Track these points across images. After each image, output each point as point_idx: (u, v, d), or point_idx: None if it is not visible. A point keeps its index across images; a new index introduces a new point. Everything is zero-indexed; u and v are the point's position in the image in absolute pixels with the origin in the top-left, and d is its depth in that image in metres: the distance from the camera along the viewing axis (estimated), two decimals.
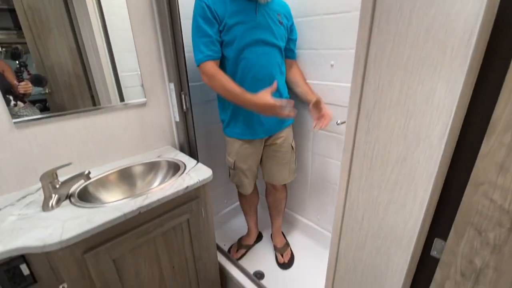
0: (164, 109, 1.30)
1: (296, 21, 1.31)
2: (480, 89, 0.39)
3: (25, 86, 0.92)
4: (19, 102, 0.93)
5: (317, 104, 1.20)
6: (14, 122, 0.91)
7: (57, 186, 0.88)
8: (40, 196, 0.92)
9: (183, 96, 1.27)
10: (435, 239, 0.45)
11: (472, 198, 0.36)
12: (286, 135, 1.33)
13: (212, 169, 1.08)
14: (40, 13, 0.92)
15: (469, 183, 0.36)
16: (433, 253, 0.44)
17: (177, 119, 1.32)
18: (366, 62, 0.50)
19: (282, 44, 1.18)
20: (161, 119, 1.31)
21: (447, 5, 0.39)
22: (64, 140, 1.04)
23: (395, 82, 0.47)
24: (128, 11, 1.09)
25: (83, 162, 1.10)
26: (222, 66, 1.15)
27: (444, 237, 0.42)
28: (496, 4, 0.36)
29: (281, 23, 1.15)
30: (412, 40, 0.43)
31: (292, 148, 1.38)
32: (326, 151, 1.45)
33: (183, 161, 1.16)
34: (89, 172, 0.91)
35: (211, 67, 1.07)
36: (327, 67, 1.29)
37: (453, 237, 0.39)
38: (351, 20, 1.14)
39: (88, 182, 0.98)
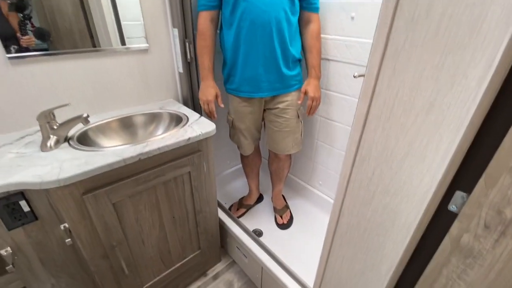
0: (167, 58, 1.23)
1: None
2: None
3: (28, 40, 0.88)
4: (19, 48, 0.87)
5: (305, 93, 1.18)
6: (9, 58, 0.86)
7: (55, 127, 0.85)
8: (39, 137, 0.90)
9: (187, 44, 1.18)
10: (456, 191, 0.40)
11: (507, 159, 0.30)
12: (291, 100, 1.18)
13: (216, 128, 1.04)
14: None
15: (506, 137, 0.31)
16: (451, 207, 0.41)
17: (181, 70, 1.25)
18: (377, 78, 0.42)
19: None
20: (164, 68, 1.24)
21: None
22: (63, 81, 0.99)
23: (436, 8, 0.39)
24: None
25: (81, 106, 1.06)
26: (222, 14, 1.07)
27: (468, 190, 0.37)
28: None
29: None
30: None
31: (298, 116, 1.23)
32: (336, 116, 1.38)
33: (186, 114, 1.12)
34: (87, 116, 0.88)
35: (203, 21, 1.06)
36: (347, 20, 1.17)
37: (482, 186, 0.34)
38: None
39: (87, 127, 0.95)
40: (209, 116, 1.16)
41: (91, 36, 1.01)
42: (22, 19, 0.86)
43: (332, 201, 1.60)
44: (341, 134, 1.40)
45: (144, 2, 1.07)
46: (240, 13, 0.99)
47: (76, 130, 0.95)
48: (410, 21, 0.42)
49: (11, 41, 0.85)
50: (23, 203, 0.73)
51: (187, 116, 1.09)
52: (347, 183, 0.62)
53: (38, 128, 0.95)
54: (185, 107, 1.21)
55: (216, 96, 1.15)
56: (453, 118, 0.42)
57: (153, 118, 1.13)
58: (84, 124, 0.93)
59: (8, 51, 0.85)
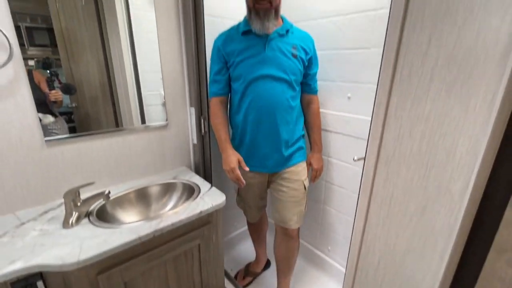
0: (183, 131, 1.35)
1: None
2: (505, 152, 0.39)
3: (55, 94, 0.98)
4: (49, 116, 0.98)
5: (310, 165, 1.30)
6: (46, 141, 0.97)
7: (79, 204, 0.91)
8: (61, 212, 0.96)
9: (202, 120, 1.31)
10: None
11: (495, 265, 0.35)
12: (296, 170, 1.21)
13: (224, 189, 1.10)
14: (76, 33, 0.99)
15: (491, 248, 0.36)
16: None
17: (195, 141, 1.36)
18: (387, 110, 0.51)
19: (294, 78, 1.11)
20: (179, 140, 1.35)
21: (468, 68, 0.40)
22: (88, 158, 1.09)
23: (416, 133, 0.48)
24: (157, 36, 1.17)
25: (103, 180, 1.14)
26: (232, 98, 1.20)
27: None
28: None
29: (294, 56, 1.10)
30: (434, 96, 0.45)
31: (305, 188, 1.23)
32: (340, 181, 1.43)
33: (198, 183, 1.18)
34: (109, 192, 0.95)
35: (214, 104, 1.19)
36: (344, 99, 1.31)
37: None
38: (369, 56, 1.17)
39: (106, 201, 1.02)
40: (237, 182, 1.18)
41: (116, 118, 1.14)
42: (49, 75, 0.96)
43: (342, 269, 1.55)
44: (346, 199, 1.43)
45: (167, 87, 1.24)
46: (248, 102, 1.11)
47: (95, 204, 1.01)
48: (397, 138, 0.51)
49: (43, 108, 0.95)
50: (40, 284, 0.76)
51: (199, 187, 1.16)
52: (355, 271, 0.64)
53: (60, 201, 1.02)
54: (197, 176, 1.29)
55: (239, 162, 1.16)
56: (444, 224, 0.47)
57: (167, 189, 1.20)
58: (105, 201, 1.00)
59: (46, 133, 0.97)
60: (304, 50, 1.13)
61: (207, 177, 1.37)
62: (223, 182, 1.60)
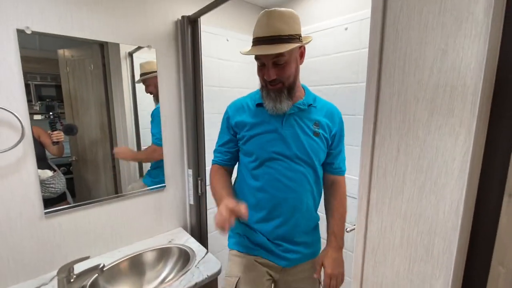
0: (180, 192, 1.38)
1: None
2: (475, 252, 0.43)
3: (57, 135, 1.01)
4: (47, 171, 1.01)
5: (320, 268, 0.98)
6: (45, 212, 0.99)
7: (72, 280, 0.90)
8: (53, 287, 0.93)
9: (199, 182, 1.35)
10: None
11: None
12: (308, 268, 1.02)
13: (219, 254, 1.08)
14: (83, 93, 1.07)
15: None
16: None
17: (192, 202, 1.38)
18: (368, 203, 0.56)
19: (316, 159, 0.93)
20: (176, 201, 1.37)
21: (434, 177, 0.46)
22: (85, 227, 1.09)
23: (396, 228, 0.52)
24: (160, 107, 1.26)
25: (98, 249, 1.13)
26: (240, 173, 1.02)
27: None
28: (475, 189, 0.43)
29: (316, 134, 0.92)
30: (408, 196, 0.50)
31: (320, 283, 1.05)
32: None
33: (193, 248, 1.18)
34: (103, 266, 0.94)
35: (215, 170, 1.03)
36: None
37: None
38: (358, 121, 1.26)
39: (100, 274, 1.00)
40: (221, 230, 0.78)
41: (115, 183, 1.18)
42: (52, 117, 0.99)
43: None
44: None
45: (167, 151, 1.30)
46: (260, 186, 0.93)
47: (89, 278, 0.99)
48: (380, 230, 0.55)
49: (42, 163, 0.97)
50: None
51: (194, 253, 1.15)
52: None
53: (53, 274, 1.00)
54: (192, 239, 1.28)
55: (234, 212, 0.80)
56: None
57: (162, 255, 1.18)
58: (99, 274, 0.98)
59: (43, 189, 0.98)
60: (329, 127, 0.94)
61: (203, 239, 1.37)
62: (220, 245, 1.58)
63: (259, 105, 0.94)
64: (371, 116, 0.53)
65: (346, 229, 1.14)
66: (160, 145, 1.29)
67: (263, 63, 0.87)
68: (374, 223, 0.55)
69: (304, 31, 1.44)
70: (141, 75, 1.22)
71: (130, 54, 1.17)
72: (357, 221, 0.58)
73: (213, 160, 1.06)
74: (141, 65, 1.21)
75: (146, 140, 1.26)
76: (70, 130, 1.05)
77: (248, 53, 0.87)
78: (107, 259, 1.09)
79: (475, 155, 0.40)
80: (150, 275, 1.13)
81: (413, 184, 0.49)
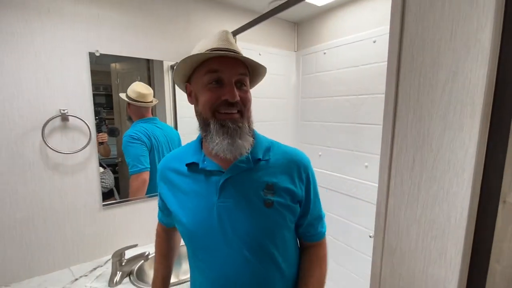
0: None
1: (334, 125, 1.50)
2: (477, 253, 0.46)
3: (102, 136, 1.16)
4: (100, 167, 1.17)
5: None
6: (103, 205, 1.17)
7: (123, 263, 1.05)
8: (107, 269, 1.10)
9: None
10: None
11: None
12: None
13: None
14: None
15: None
16: None
17: None
18: (386, 209, 0.61)
19: (273, 246, 0.62)
20: None
21: (446, 186, 0.50)
22: (134, 219, 1.26)
23: (412, 232, 0.56)
24: None
25: (144, 238, 1.28)
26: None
27: None
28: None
29: (269, 204, 0.61)
30: (422, 203, 0.54)
31: None
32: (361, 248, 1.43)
33: None
34: (148, 253, 1.08)
35: (157, 233, 0.83)
36: (362, 167, 1.39)
37: None
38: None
39: (146, 261, 1.14)
40: None
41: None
42: (98, 121, 1.14)
43: None
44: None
45: None
46: (199, 283, 0.67)
47: (136, 264, 1.14)
48: (397, 233, 0.59)
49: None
50: None
51: None
52: None
53: (106, 258, 1.17)
54: None
55: None
56: None
57: None
58: (145, 261, 1.13)
59: (104, 200, 1.17)
60: (289, 191, 0.64)
61: None
62: None
63: (190, 165, 0.65)
64: (389, 129, 0.59)
65: (370, 235, 1.15)
66: (137, 171, 1.22)
67: (220, 80, 0.58)
68: (391, 227, 0.60)
69: (332, 44, 1.50)
70: (133, 99, 1.21)
71: (172, 67, 1.32)
72: (375, 226, 0.63)
73: (158, 217, 0.82)
74: (137, 92, 1.20)
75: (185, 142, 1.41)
76: (112, 132, 1.21)
77: (209, 53, 0.57)
78: (151, 249, 1.24)
79: (478, 167, 0.44)
80: (186, 267, 1.25)
81: (427, 193, 0.53)
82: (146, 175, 1.23)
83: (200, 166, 0.64)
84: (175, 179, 0.67)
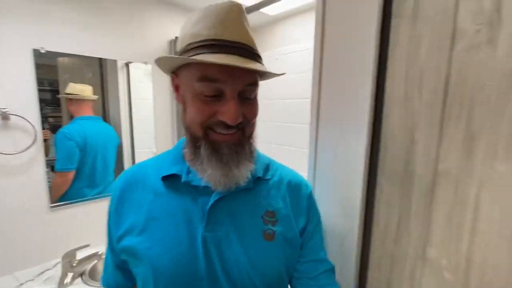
0: None
1: (289, 125, 1.62)
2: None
3: (45, 133, 1.11)
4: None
5: None
6: (51, 207, 1.13)
7: (74, 264, 1.04)
8: (56, 272, 1.07)
9: None
10: None
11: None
12: None
13: None
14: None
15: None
16: None
17: None
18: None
19: (283, 278, 0.49)
20: None
21: (346, 177, 0.62)
22: (85, 219, 1.23)
23: (331, 211, 0.68)
24: (153, 107, 1.42)
25: (96, 239, 1.27)
26: None
27: None
28: None
29: (269, 236, 0.47)
30: (338, 189, 0.66)
31: None
32: None
33: None
34: (102, 253, 1.08)
35: None
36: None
37: None
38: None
39: (99, 260, 1.14)
40: None
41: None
42: (43, 118, 1.08)
43: None
44: None
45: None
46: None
47: (89, 264, 1.13)
48: None
49: None
50: None
51: None
52: None
53: (55, 261, 1.13)
54: None
55: None
56: None
57: None
58: (98, 260, 1.12)
59: (52, 201, 1.13)
60: (292, 220, 0.50)
61: None
62: None
63: (167, 178, 0.47)
64: (313, 129, 0.70)
65: None
66: (64, 169, 1.18)
67: (220, 93, 0.41)
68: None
69: (283, 51, 1.63)
70: (68, 94, 1.17)
71: (127, 64, 1.32)
72: None
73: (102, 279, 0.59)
74: (73, 86, 1.18)
75: (140, 144, 1.42)
76: (54, 129, 1.14)
77: (207, 61, 0.38)
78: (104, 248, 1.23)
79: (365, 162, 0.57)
80: None
81: (340, 181, 0.65)
82: (71, 175, 1.20)
83: (184, 179, 0.46)
84: (144, 199, 0.47)
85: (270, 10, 1.51)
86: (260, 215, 0.48)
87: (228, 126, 0.42)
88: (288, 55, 1.59)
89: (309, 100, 0.72)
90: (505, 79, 0.37)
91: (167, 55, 0.42)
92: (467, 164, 0.41)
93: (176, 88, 0.47)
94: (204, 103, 0.42)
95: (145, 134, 1.43)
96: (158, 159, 0.53)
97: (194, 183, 0.46)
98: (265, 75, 0.47)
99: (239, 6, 0.42)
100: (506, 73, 0.37)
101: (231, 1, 0.41)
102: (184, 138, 0.52)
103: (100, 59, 1.23)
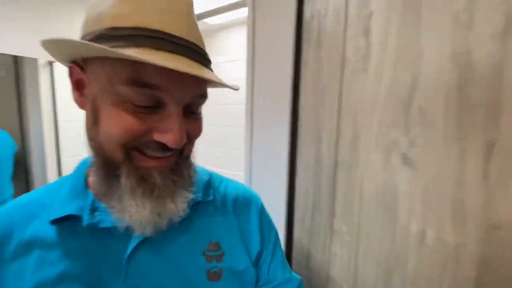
0: None
1: (231, 129, 1.71)
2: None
3: None
4: None
5: None
6: None
7: None
8: None
9: None
10: None
11: None
12: None
13: None
14: None
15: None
16: None
17: None
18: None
19: None
20: None
21: (275, 168, 0.75)
22: None
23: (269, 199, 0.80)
24: None
25: None
26: None
27: None
28: None
29: (215, 276, 0.36)
30: (267, 180, 0.78)
31: None
32: None
33: None
34: None
35: None
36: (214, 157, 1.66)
37: None
38: None
39: None
40: None
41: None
42: None
43: None
44: None
45: None
46: None
47: None
48: None
49: None
50: None
51: None
52: None
53: None
54: None
55: None
56: None
57: None
58: None
59: None
60: (242, 248, 0.41)
61: None
62: None
63: (62, 221, 0.33)
64: (248, 130, 0.80)
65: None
66: None
67: (159, 104, 0.30)
68: None
69: (220, 59, 1.72)
70: None
71: (50, 63, 1.21)
72: None
73: None
74: None
75: (68, 152, 1.30)
76: None
77: (150, 60, 0.25)
78: None
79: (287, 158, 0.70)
80: None
81: (269, 174, 0.77)
82: None
83: (86, 221, 0.33)
84: (25, 261, 0.32)
85: (211, 20, 1.59)
86: (201, 251, 0.36)
87: (165, 149, 0.31)
88: (226, 63, 1.69)
89: (243, 106, 0.82)
90: (373, 96, 0.53)
91: (72, 39, 0.27)
92: (355, 156, 0.56)
93: (77, 84, 0.32)
94: (132, 115, 0.29)
95: (74, 140, 1.31)
96: (45, 192, 0.37)
97: (103, 224, 0.32)
98: (210, 85, 0.35)
99: None
100: (374, 92, 0.53)
101: None
102: (86, 159, 0.38)
103: (15, 56, 1.09)
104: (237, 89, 0.35)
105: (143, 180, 0.31)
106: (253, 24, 0.77)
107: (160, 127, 0.29)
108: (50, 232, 0.32)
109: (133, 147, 0.30)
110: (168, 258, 0.34)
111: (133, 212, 0.30)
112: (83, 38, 0.30)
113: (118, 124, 0.29)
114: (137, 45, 0.27)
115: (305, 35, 0.62)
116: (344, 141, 0.57)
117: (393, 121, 0.48)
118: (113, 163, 0.30)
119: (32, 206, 0.35)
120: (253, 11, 0.75)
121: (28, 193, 0.38)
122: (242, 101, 1.62)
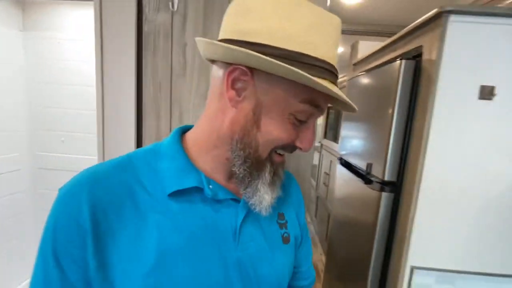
0: None
1: (76, 112, 1.66)
2: None
3: None
4: None
5: None
6: None
7: None
8: None
9: None
10: None
11: None
12: None
13: None
14: None
15: None
16: None
17: None
18: None
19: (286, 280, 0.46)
20: None
21: None
22: None
23: None
24: None
25: None
26: None
27: None
28: None
29: (286, 239, 0.45)
30: None
31: None
32: None
33: None
34: None
35: None
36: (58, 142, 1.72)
37: None
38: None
39: None
40: None
41: None
42: None
43: None
44: None
45: None
46: None
47: None
48: None
49: None
50: None
51: None
52: None
53: None
54: None
55: None
56: None
57: None
58: None
59: None
60: (296, 222, 0.49)
61: None
62: None
63: (183, 193, 0.36)
64: (100, 114, 0.99)
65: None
66: None
67: (311, 116, 0.38)
68: None
69: (63, 36, 1.62)
70: None
71: None
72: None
73: None
74: None
75: None
76: None
77: (329, 92, 0.33)
78: None
79: None
80: None
81: None
82: None
83: (210, 194, 0.37)
84: (144, 224, 0.34)
85: None
86: (275, 220, 0.44)
87: (292, 150, 0.39)
88: (66, 41, 1.63)
89: (92, 88, 0.98)
90: (189, 90, 0.89)
91: (275, 61, 0.30)
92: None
93: (234, 83, 0.35)
94: (292, 126, 0.36)
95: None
96: (144, 163, 0.37)
97: (218, 197, 0.38)
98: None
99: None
100: (189, 88, 0.89)
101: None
102: (176, 133, 0.41)
103: None
104: (355, 111, 0.40)
105: (275, 174, 0.39)
106: (100, 19, 0.94)
107: (301, 137, 0.37)
108: (167, 202, 0.35)
109: (274, 148, 0.37)
110: (261, 226, 0.41)
111: (266, 198, 0.38)
112: (252, 44, 0.31)
113: (283, 131, 0.35)
114: (319, 76, 0.32)
115: (144, 43, 0.90)
116: (175, 117, 0.92)
117: (202, 107, 0.87)
118: (260, 157, 0.37)
119: (134, 176, 0.35)
120: (99, 9, 0.92)
121: (109, 161, 0.37)
122: (91, 83, 1.63)
